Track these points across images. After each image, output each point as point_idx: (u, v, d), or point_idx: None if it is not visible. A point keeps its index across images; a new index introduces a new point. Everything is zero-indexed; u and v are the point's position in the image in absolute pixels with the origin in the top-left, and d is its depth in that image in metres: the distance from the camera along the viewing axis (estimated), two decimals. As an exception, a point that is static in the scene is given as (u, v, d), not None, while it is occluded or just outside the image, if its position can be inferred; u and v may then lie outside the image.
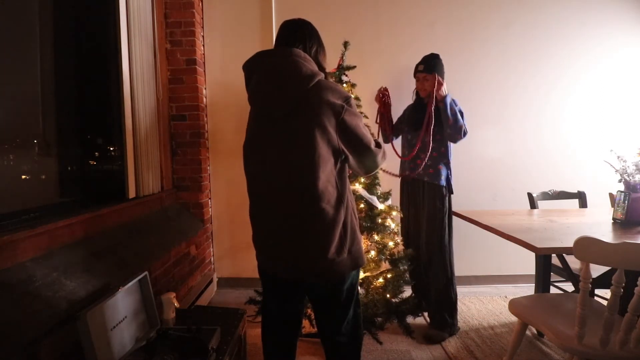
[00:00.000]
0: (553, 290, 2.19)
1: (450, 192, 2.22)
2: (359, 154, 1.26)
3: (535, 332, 2.22)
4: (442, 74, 2.18)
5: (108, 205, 1.87)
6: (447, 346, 2.10)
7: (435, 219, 2.16)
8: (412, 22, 2.84)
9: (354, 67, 2.06)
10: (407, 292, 2.05)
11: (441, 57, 2.23)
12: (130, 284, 1.41)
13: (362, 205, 1.94)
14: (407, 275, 1.99)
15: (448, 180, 2.20)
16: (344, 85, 2.04)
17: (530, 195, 2.52)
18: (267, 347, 1.43)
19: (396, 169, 2.39)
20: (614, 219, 1.99)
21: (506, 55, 2.89)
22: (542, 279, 2.12)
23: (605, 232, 1.77)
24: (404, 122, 2.38)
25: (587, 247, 1.24)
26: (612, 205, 2.13)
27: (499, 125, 2.91)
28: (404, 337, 2.15)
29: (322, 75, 1.24)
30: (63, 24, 1.87)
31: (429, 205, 2.18)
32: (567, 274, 1.99)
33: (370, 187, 1.97)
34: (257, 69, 1.29)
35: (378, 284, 1.93)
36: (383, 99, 2.30)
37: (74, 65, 2.00)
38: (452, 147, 2.25)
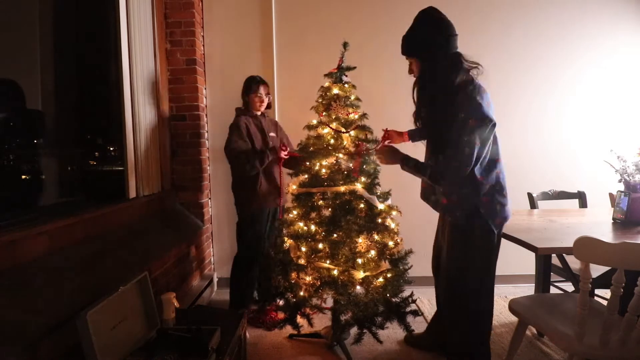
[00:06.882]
0: (553, 290, 2.19)
1: (483, 232, 1.56)
2: None
3: (535, 332, 2.22)
4: (425, 49, 1.56)
5: (108, 206, 1.87)
6: (447, 346, 2.10)
7: (456, 265, 1.64)
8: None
9: (354, 67, 2.06)
10: (407, 291, 2.04)
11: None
12: (130, 284, 1.40)
13: (362, 205, 1.94)
14: (407, 275, 1.99)
15: (476, 216, 1.54)
16: (345, 86, 2.04)
17: (530, 195, 2.52)
18: None
19: None
20: (614, 219, 1.99)
21: (506, 55, 2.88)
22: (542, 279, 2.12)
23: (605, 232, 1.77)
24: None
25: (587, 247, 1.24)
26: (612, 205, 2.13)
27: (498, 125, 2.89)
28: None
29: None
30: (63, 24, 1.88)
31: (448, 244, 1.67)
32: (567, 274, 1.99)
33: (370, 187, 1.96)
34: None
35: (378, 284, 1.92)
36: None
37: (74, 66, 2.00)
38: (497, 167, 1.58)
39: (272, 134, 2.39)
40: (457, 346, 1.71)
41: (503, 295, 2.79)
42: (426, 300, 2.66)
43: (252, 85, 2.32)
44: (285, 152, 2.26)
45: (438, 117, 1.56)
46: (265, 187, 2.29)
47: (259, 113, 2.38)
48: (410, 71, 1.70)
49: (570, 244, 1.28)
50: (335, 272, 1.88)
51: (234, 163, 2.26)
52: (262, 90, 2.33)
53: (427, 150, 1.76)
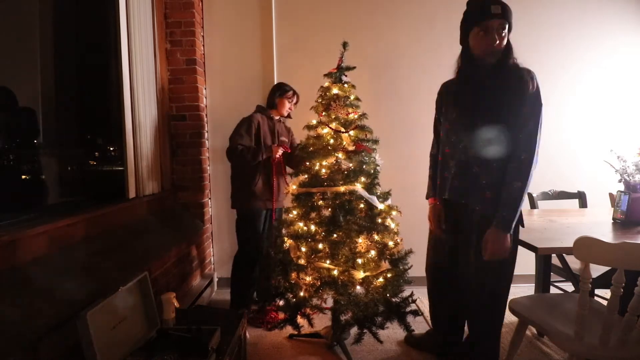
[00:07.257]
0: (553, 290, 2.19)
1: (520, 224, 1.55)
2: None
3: (535, 332, 2.22)
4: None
5: (108, 206, 1.88)
6: (447, 346, 2.10)
7: (490, 265, 1.54)
8: (412, 22, 2.84)
9: (354, 67, 2.06)
10: (407, 291, 2.04)
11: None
12: (130, 284, 1.40)
13: (362, 205, 1.94)
14: (407, 275, 1.99)
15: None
16: (345, 86, 2.04)
17: (530, 195, 2.52)
18: None
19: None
20: (614, 219, 1.99)
21: (506, 55, 2.88)
22: (542, 279, 2.12)
23: (605, 232, 1.77)
24: (445, 113, 1.71)
25: (587, 247, 1.24)
26: (612, 205, 2.13)
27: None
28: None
29: None
30: (63, 24, 1.88)
31: (478, 245, 1.55)
32: (567, 274, 1.99)
33: (370, 187, 1.96)
34: None
35: (378, 284, 1.92)
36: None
37: (74, 66, 2.01)
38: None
39: (283, 138, 2.44)
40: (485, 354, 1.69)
41: (503, 295, 2.79)
42: (426, 301, 2.65)
43: (287, 89, 2.40)
44: (280, 153, 2.30)
45: (507, 93, 1.46)
46: (261, 188, 2.31)
47: (277, 117, 2.43)
48: (487, 41, 1.49)
49: (570, 244, 1.28)
50: (335, 272, 1.88)
51: (229, 153, 2.29)
52: (295, 98, 2.43)
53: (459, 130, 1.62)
